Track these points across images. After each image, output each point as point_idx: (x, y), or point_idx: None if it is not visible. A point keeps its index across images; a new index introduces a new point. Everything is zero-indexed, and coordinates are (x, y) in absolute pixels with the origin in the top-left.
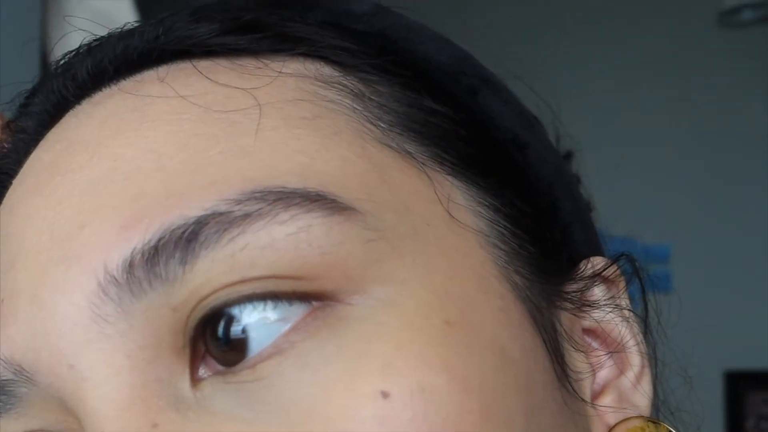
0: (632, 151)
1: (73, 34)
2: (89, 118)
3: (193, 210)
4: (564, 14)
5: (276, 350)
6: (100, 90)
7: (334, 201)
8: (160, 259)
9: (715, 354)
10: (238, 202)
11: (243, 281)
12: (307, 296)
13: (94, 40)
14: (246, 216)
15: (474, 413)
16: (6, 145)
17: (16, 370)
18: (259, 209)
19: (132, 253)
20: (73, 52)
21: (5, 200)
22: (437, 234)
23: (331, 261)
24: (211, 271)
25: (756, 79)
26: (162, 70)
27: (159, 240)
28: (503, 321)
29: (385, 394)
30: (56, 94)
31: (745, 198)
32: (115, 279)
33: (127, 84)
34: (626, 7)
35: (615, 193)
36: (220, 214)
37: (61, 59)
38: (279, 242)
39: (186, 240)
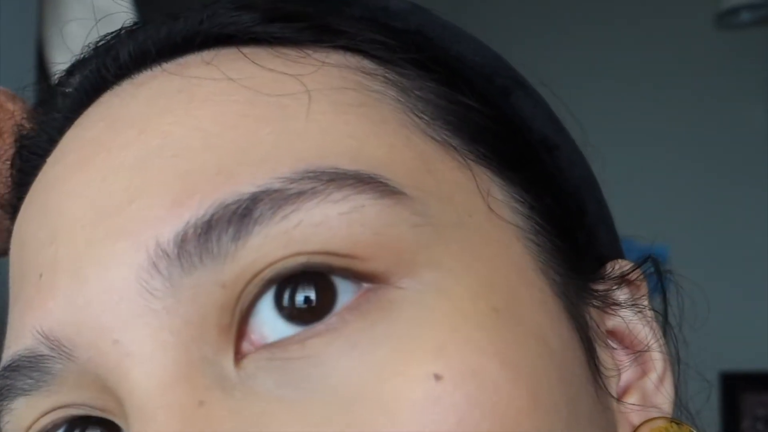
0: (630, 151)
1: (71, 30)
2: (133, 97)
3: (246, 186)
4: (560, 15)
5: (327, 328)
6: (142, 72)
7: (385, 184)
8: (213, 234)
9: (711, 355)
10: (292, 180)
11: (298, 254)
12: (359, 276)
13: (134, 24)
14: (300, 194)
15: (522, 399)
16: (36, 125)
17: (53, 345)
18: (313, 188)
19: (185, 227)
20: (113, 35)
21: (41, 177)
22: (479, 225)
23: (383, 242)
24: (264, 248)
25: (754, 80)
26: (206, 54)
27: (213, 215)
28: (544, 312)
29: (437, 377)
30: (95, 74)
31: (744, 199)
32: (167, 253)
33: (171, 66)
34: (623, 8)
35: (613, 193)
36: (275, 191)
37: (99, 41)
38: (332, 220)
39: (240, 216)
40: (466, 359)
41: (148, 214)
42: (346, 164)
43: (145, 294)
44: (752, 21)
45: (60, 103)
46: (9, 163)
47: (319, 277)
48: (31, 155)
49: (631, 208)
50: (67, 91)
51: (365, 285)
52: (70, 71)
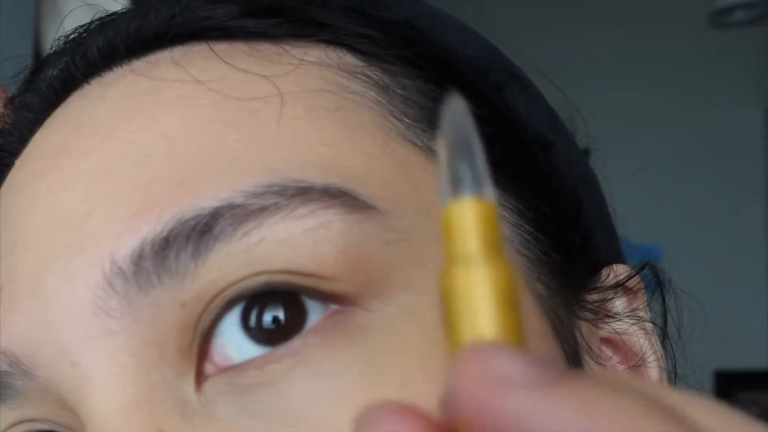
0: (623, 150)
1: (69, 24)
2: (100, 100)
3: (207, 200)
4: (552, 12)
5: (288, 352)
6: (111, 69)
7: (355, 198)
8: (171, 251)
9: (705, 353)
10: (255, 194)
11: (260, 273)
12: (326, 296)
13: (107, 16)
14: (263, 209)
15: None
16: (8, 122)
17: (12, 361)
18: (276, 202)
19: (141, 243)
20: (84, 27)
21: (8, 181)
22: None
23: (351, 261)
24: (225, 266)
25: (748, 79)
26: (177, 52)
27: (170, 231)
28: (526, 334)
29: None
30: (64, 72)
31: (737, 198)
32: (122, 271)
33: (140, 65)
34: (617, 6)
35: (607, 193)
36: (236, 206)
37: (71, 33)
38: (297, 237)
39: (199, 232)
40: (435, 391)
41: (105, 228)
42: (315, 176)
43: (102, 314)
44: (746, 20)
45: (31, 100)
46: None
47: (288, 296)
48: (3, 153)
49: (624, 208)
50: (37, 87)
51: (333, 306)
52: (42, 65)
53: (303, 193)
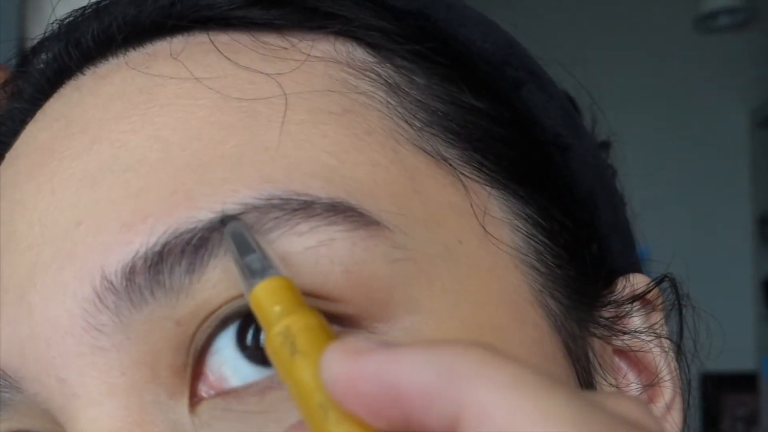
0: (609, 157)
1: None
2: (92, 95)
3: (203, 212)
4: (538, 23)
5: None
6: (107, 59)
7: (360, 214)
8: (165, 266)
9: (692, 355)
10: (254, 207)
11: None
12: (328, 317)
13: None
14: (262, 224)
15: None
16: (1, 110)
17: None
18: (277, 217)
19: (133, 257)
20: (79, 11)
21: None
22: (470, 253)
23: (355, 281)
24: (220, 283)
25: (732, 83)
26: (176, 44)
27: (164, 245)
28: (537, 354)
29: None
30: (58, 61)
31: (722, 201)
32: (113, 286)
33: (137, 57)
34: (601, 11)
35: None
36: (233, 218)
37: (66, 17)
38: (297, 256)
39: (194, 246)
40: None
41: (95, 239)
42: (319, 189)
43: (92, 330)
44: (730, 25)
45: (23, 88)
46: None
47: None
48: None
49: None
50: (30, 74)
51: (335, 327)
52: (36, 49)
53: (305, 208)
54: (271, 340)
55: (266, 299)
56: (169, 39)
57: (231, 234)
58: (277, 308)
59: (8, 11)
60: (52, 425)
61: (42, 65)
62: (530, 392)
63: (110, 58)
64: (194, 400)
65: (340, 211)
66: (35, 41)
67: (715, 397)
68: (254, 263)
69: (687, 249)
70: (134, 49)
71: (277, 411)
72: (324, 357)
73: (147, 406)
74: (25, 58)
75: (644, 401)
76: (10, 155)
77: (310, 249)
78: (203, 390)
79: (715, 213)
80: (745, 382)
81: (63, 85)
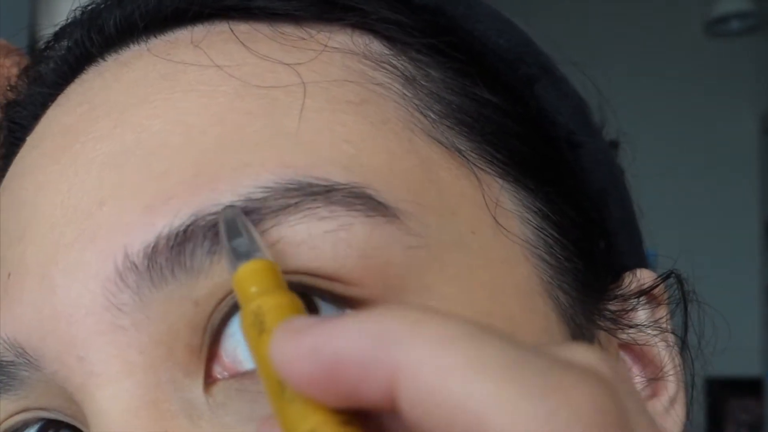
0: (618, 157)
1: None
2: (115, 80)
3: (225, 195)
4: (549, 24)
5: None
6: (128, 47)
7: (378, 201)
8: (187, 247)
9: (697, 360)
10: (275, 190)
11: None
12: (340, 300)
13: None
14: (283, 207)
15: None
16: (22, 94)
17: (18, 352)
18: (298, 202)
19: (156, 237)
20: None
21: (18, 160)
22: (482, 244)
23: (370, 266)
24: None
25: (743, 88)
26: (197, 32)
27: (188, 227)
28: (546, 342)
29: None
30: (80, 47)
31: (732, 206)
32: (135, 265)
33: (158, 44)
34: (612, 15)
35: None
36: (256, 201)
37: (88, 4)
38: (316, 239)
39: (216, 228)
40: None
41: (118, 220)
42: (338, 175)
43: (113, 309)
44: (741, 29)
45: (44, 73)
46: None
47: (301, 297)
48: (16, 126)
49: None
50: (52, 60)
51: (348, 311)
52: (58, 35)
53: (325, 193)
54: (243, 319)
55: (245, 281)
56: (189, 27)
57: (224, 219)
58: (253, 288)
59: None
60: (69, 404)
61: (63, 51)
62: (461, 345)
63: (131, 46)
64: (209, 380)
65: (358, 197)
66: (52, 29)
67: (720, 403)
68: (241, 246)
69: (694, 253)
70: (155, 36)
71: None
72: (272, 338)
73: (163, 385)
74: (47, 43)
75: (603, 355)
76: (32, 138)
77: (329, 233)
78: (218, 371)
79: (723, 218)
80: (750, 387)
81: (84, 71)
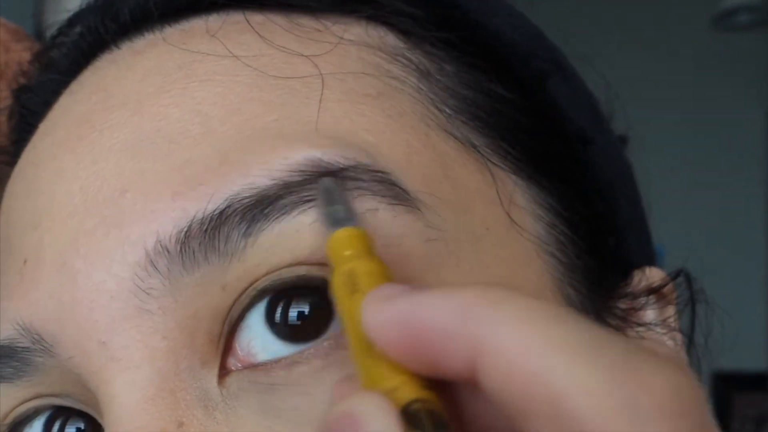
0: (625, 152)
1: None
2: (130, 69)
3: (260, 179)
4: (556, 17)
5: (317, 353)
6: (143, 35)
7: (401, 189)
8: (223, 230)
9: (704, 355)
10: (308, 174)
11: (300, 263)
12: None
13: None
14: (312, 187)
15: None
16: (34, 80)
17: (34, 339)
18: (329, 186)
19: (190, 222)
20: None
21: (30, 148)
22: (496, 240)
23: (391, 256)
24: (274, 247)
25: (751, 82)
26: (212, 22)
27: (223, 210)
28: None
29: None
30: (93, 33)
31: (739, 200)
32: (167, 250)
33: (173, 33)
34: (620, 8)
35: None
36: (293, 184)
37: None
38: None
39: (254, 211)
40: None
41: (144, 207)
42: (365, 159)
43: (140, 293)
44: (750, 23)
45: (57, 59)
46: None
47: (316, 291)
48: (27, 112)
49: None
50: (64, 46)
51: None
52: (72, 21)
53: (354, 178)
54: (335, 278)
55: (340, 244)
56: (204, 17)
57: (323, 188)
58: (347, 252)
59: None
60: (82, 391)
61: (77, 37)
62: (541, 324)
63: (146, 34)
64: (223, 372)
65: (383, 183)
66: (65, 14)
67: (726, 397)
68: (339, 213)
69: (701, 248)
70: (170, 25)
71: (304, 384)
72: (363, 304)
73: (182, 372)
74: (60, 29)
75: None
76: (45, 126)
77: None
78: (231, 363)
79: (730, 212)
80: (757, 382)
81: (97, 58)
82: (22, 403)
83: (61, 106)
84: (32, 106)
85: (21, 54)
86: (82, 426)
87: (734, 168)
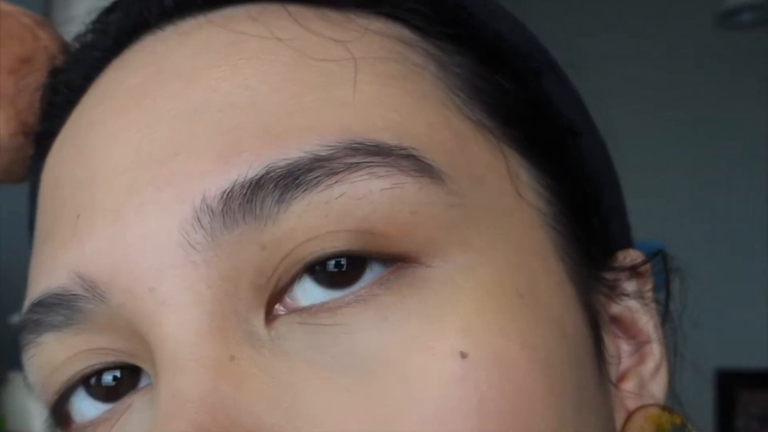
0: (629, 150)
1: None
2: (180, 46)
3: (294, 151)
4: (560, 16)
5: (357, 299)
6: (185, 20)
7: (426, 164)
8: (259, 194)
9: (707, 352)
10: (339, 149)
11: (334, 232)
12: (392, 257)
13: None
14: (347, 165)
15: (538, 382)
16: (71, 60)
17: (88, 286)
18: (359, 161)
19: (232, 184)
20: None
21: (78, 118)
22: (507, 209)
23: (419, 221)
24: (305, 215)
25: (754, 81)
26: (253, 9)
27: (261, 177)
28: (561, 298)
29: (463, 355)
30: (138, 15)
31: (741, 198)
32: (211, 209)
33: (217, 17)
34: (624, 8)
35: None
36: (323, 158)
37: None
38: (375, 195)
39: (287, 180)
40: (491, 340)
41: (193, 168)
42: (390, 139)
43: (186, 246)
44: (754, 21)
45: (97, 39)
46: (39, 93)
47: (356, 258)
48: (65, 90)
49: (629, 206)
50: (105, 28)
51: (398, 263)
52: (111, 8)
53: (383, 153)
54: None
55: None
56: (244, 6)
57: None
58: None
59: None
60: (130, 338)
61: (119, 19)
62: None
63: (188, 19)
64: (270, 317)
65: (409, 158)
66: (98, 3)
67: (730, 395)
68: None
69: (704, 246)
70: (211, 11)
71: (347, 324)
72: None
73: (228, 315)
74: (100, 15)
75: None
76: (93, 96)
77: (386, 190)
78: (278, 310)
79: (733, 210)
80: (761, 379)
81: (141, 39)
82: (71, 357)
83: (109, 81)
84: (72, 83)
85: (49, 43)
86: (117, 374)
87: (738, 166)
